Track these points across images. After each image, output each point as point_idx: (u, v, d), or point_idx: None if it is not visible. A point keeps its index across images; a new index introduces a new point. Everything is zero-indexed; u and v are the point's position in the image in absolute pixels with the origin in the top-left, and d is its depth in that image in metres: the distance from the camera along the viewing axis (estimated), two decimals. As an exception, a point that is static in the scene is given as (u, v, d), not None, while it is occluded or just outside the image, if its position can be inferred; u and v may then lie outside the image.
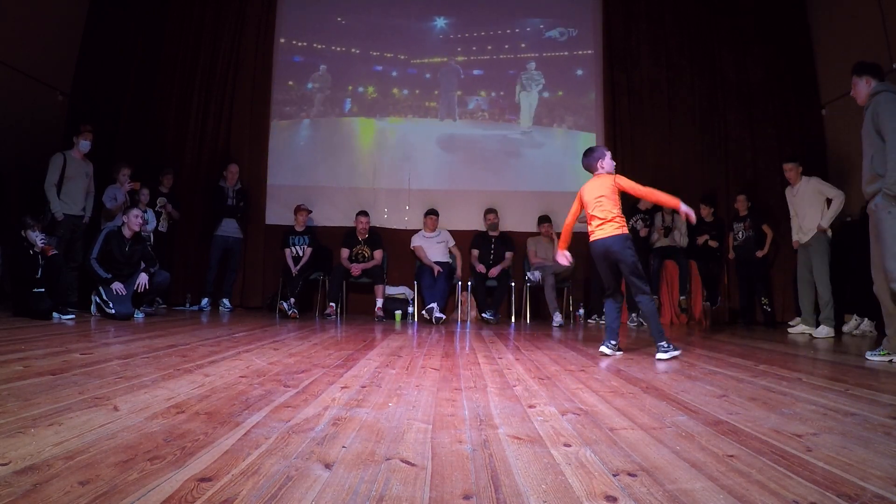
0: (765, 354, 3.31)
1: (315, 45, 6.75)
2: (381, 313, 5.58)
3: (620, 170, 6.74)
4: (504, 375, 2.44)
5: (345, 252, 5.85)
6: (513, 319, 5.81)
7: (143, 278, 4.58)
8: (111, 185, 5.29)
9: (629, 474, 1.18)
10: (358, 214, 5.93)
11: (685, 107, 6.43)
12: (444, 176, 6.63)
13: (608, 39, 6.56)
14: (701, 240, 5.81)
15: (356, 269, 5.69)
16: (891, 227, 2.94)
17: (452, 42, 6.77)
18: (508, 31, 6.76)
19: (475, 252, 5.92)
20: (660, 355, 2.99)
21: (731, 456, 1.31)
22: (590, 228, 3.31)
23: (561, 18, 6.77)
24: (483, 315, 5.61)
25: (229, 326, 4.26)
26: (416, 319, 5.71)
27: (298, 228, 5.92)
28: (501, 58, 6.75)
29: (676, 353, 3.02)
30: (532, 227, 6.18)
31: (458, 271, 6.07)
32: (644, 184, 3.28)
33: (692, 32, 6.52)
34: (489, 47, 6.75)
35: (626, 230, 3.20)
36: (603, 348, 3.20)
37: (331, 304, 5.55)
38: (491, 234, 6.02)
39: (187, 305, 5.86)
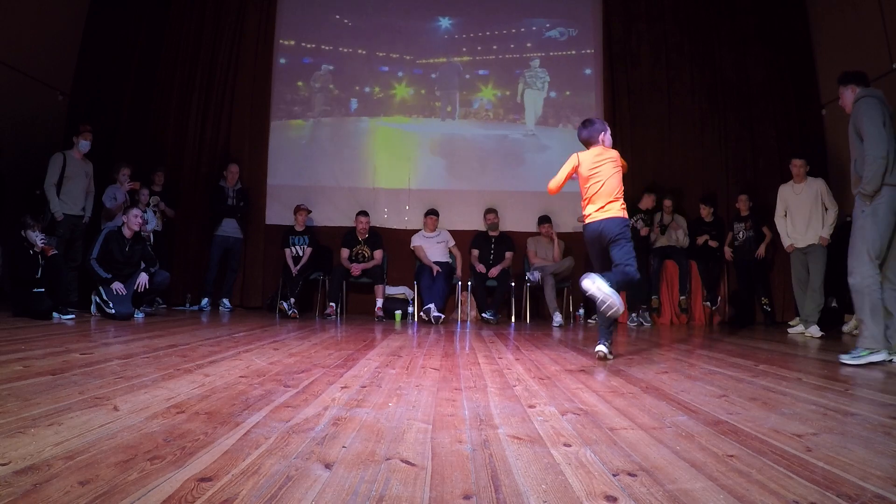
0: (765, 354, 3.31)
1: (315, 44, 6.74)
2: (381, 313, 5.58)
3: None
4: (504, 375, 2.44)
5: (345, 252, 5.86)
6: (513, 319, 5.81)
7: (143, 278, 4.58)
8: (111, 185, 5.29)
9: (629, 474, 1.18)
10: (358, 214, 5.93)
11: (685, 107, 6.43)
12: (444, 176, 6.63)
13: (608, 39, 6.56)
14: (701, 240, 5.81)
15: (356, 269, 5.69)
16: (860, 226, 3.01)
17: (457, 42, 6.77)
18: (514, 30, 6.76)
19: (475, 252, 5.92)
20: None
21: (731, 456, 1.31)
22: (586, 210, 2.98)
23: (561, 18, 6.77)
24: (483, 315, 5.61)
25: (229, 326, 4.26)
26: (416, 319, 5.71)
27: (298, 228, 5.92)
28: (507, 57, 6.75)
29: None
30: (532, 227, 6.18)
31: (458, 271, 6.07)
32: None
33: (692, 32, 6.52)
34: (494, 47, 6.75)
35: (625, 215, 2.90)
36: (600, 347, 2.93)
37: (331, 304, 5.56)
38: (491, 234, 6.02)
39: (187, 305, 5.86)
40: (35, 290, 4.11)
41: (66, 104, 6.24)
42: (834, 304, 5.28)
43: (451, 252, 6.09)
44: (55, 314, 4.11)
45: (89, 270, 4.54)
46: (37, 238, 4.23)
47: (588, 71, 6.69)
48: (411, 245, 6.04)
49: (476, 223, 6.29)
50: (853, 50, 5.56)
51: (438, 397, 1.93)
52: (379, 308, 5.61)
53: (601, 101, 6.53)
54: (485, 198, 6.36)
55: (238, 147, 6.39)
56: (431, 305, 5.36)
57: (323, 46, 6.74)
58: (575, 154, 3.09)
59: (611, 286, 2.69)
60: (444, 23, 6.78)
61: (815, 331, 4.57)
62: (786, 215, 4.98)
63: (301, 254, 5.82)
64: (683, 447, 1.38)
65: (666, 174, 6.28)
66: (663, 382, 2.32)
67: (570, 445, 1.38)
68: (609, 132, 3.06)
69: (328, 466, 1.18)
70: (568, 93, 6.72)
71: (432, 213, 6.07)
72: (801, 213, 4.84)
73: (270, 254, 6.16)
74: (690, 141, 6.37)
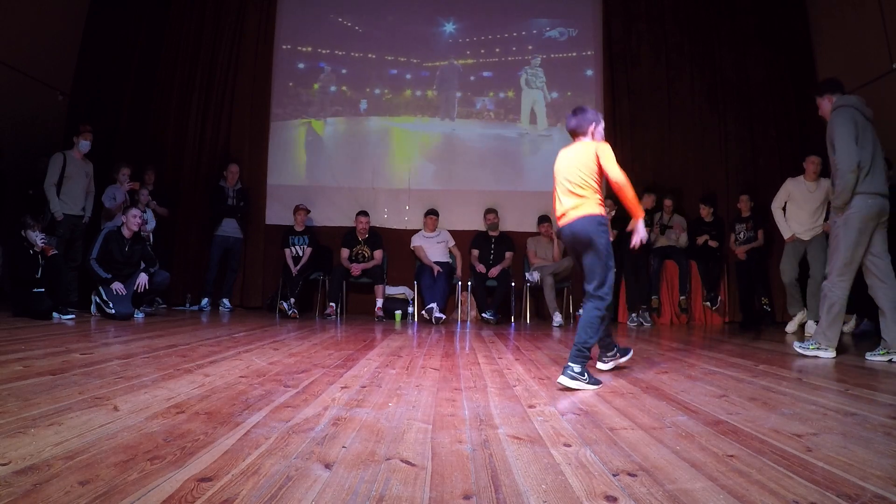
0: (765, 354, 3.31)
1: (315, 45, 6.74)
2: (381, 313, 5.58)
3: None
4: (504, 375, 2.44)
5: (345, 252, 5.86)
6: (513, 319, 5.81)
7: (142, 278, 4.58)
8: (111, 185, 5.29)
9: (629, 474, 1.18)
10: (358, 214, 5.93)
11: (685, 107, 6.43)
12: (444, 176, 6.63)
13: (608, 39, 6.56)
14: (701, 240, 5.81)
15: (356, 269, 5.69)
16: (834, 235, 3.20)
17: (460, 45, 6.76)
18: (514, 33, 6.76)
19: (475, 252, 5.92)
20: (562, 379, 2.14)
21: (731, 456, 1.31)
22: (556, 212, 2.54)
23: (561, 18, 6.77)
24: (483, 315, 5.61)
25: (229, 326, 4.26)
26: (416, 319, 5.71)
27: (297, 228, 5.92)
28: (508, 59, 6.75)
29: (590, 386, 2.16)
30: (532, 227, 6.18)
31: (458, 271, 6.07)
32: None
33: (692, 32, 6.51)
34: (497, 49, 6.75)
35: (601, 212, 2.40)
36: (599, 365, 2.60)
37: (331, 304, 5.55)
38: (491, 234, 6.02)
39: (187, 305, 5.86)
40: (35, 290, 4.11)
41: (66, 104, 6.23)
42: None
43: (451, 252, 6.08)
44: (55, 314, 4.11)
45: (89, 270, 4.54)
46: (37, 238, 4.23)
47: (589, 72, 6.70)
48: (411, 245, 6.04)
49: (476, 223, 6.29)
50: (853, 50, 5.56)
51: (438, 397, 1.93)
52: (379, 308, 5.61)
53: (601, 101, 6.53)
54: (485, 198, 6.36)
55: (238, 147, 6.39)
56: (434, 305, 5.36)
57: (323, 47, 6.74)
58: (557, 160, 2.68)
59: (573, 360, 2.18)
60: (449, 28, 6.79)
61: (811, 327, 4.52)
62: (784, 208, 4.90)
63: (301, 254, 5.82)
64: (683, 447, 1.38)
65: (666, 174, 6.27)
66: (663, 382, 2.32)
67: (570, 445, 1.38)
68: (602, 126, 2.58)
69: (328, 466, 1.18)
70: (569, 93, 6.72)
71: (432, 213, 6.07)
72: (807, 209, 4.78)
73: (270, 254, 6.16)
74: (690, 141, 6.37)
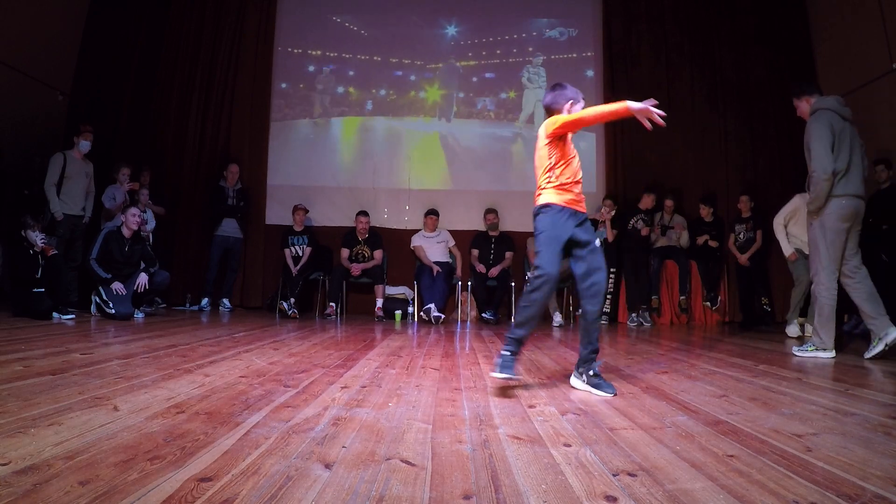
0: (765, 354, 3.31)
1: (315, 45, 6.74)
2: (381, 313, 5.58)
3: (620, 171, 6.85)
4: (504, 375, 2.43)
5: (345, 252, 5.86)
6: (513, 319, 5.80)
7: (142, 278, 4.58)
8: (111, 185, 5.29)
9: (629, 474, 1.18)
10: (358, 214, 5.93)
11: (685, 107, 6.43)
12: (445, 176, 6.63)
13: (608, 39, 6.56)
14: (701, 240, 5.81)
15: (356, 269, 5.69)
16: (812, 239, 3.26)
17: (462, 47, 6.76)
18: (515, 35, 6.76)
19: (475, 252, 5.92)
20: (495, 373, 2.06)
21: (731, 456, 1.31)
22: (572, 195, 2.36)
23: (561, 18, 6.78)
24: (483, 315, 5.61)
25: (229, 326, 4.26)
26: (416, 319, 5.71)
27: (297, 228, 5.92)
28: (509, 60, 6.75)
29: (506, 375, 2.05)
30: (532, 227, 6.16)
31: (458, 271, 6.07)
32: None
33: (692, 32, 6.51)
34: (498, 51, 6.75)
35: (546, 200, 2.30)
36: (573, 379, 2.21)
37: (331, 304, 5.55)
38: (491, 234, 6.02)
39: (187, 305, 5.86)
40: (35, 290, 4.11)
41: (66, 104, 6.24)
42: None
43: (451, 252, 6.09)
44: (55, 314, 4.11)
45: (89, 270, 4.54)
46: (37, 238, 4.23)
47: (589, 72, 6.70)
48: (411, 245, 6.04)
49: (476, 223, 6.29)
50: (853, 50, 5.56)
51: (438, 397, 1.93)
52: (379, 308, 5.61)
53: (602, 101, 6.53)
54: (485, 198, 6.36)
55: (238, 147, 6.39)
56: (432, 305, 5.36)
57: (323, 48, 6.74)
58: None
59: (504, 361, 2.06)
60: (451, 30, 6.78)
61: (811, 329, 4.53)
62: (785, 226, 4.72)
63: (301, 254, 5.82)
64: (683, 447, 1.38)
65: (666, 174, 6.27)
66: (663, 382, 2.32)
67: (570, 445, 1.38)
68: (582, 105, 2.25)
69: (328, 466, 1.18)
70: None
71: (432, 213, 6.07)
72: None
73: (270, 254, 6.16)
74: (691, 141, 6.37)
